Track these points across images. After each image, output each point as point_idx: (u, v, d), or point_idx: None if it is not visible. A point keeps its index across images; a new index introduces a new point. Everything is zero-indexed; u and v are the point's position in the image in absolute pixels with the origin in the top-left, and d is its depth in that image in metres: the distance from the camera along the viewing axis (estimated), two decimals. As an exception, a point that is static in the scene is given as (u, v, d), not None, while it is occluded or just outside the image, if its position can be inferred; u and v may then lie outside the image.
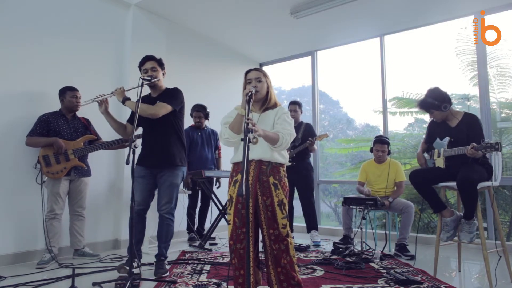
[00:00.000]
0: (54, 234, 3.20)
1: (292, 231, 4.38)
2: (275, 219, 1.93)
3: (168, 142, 2.85)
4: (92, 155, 3.55)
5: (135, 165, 2.79)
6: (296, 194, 4.42)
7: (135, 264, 2.73)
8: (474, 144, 2.52)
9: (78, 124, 3.45)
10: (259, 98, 2.07)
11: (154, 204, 2.97)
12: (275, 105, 2.11)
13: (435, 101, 2.75)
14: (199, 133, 4.35)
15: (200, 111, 4.32)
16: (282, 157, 2.05)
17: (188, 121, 3.88)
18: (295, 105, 4.37)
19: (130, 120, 2.99)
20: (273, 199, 1.94)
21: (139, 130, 3.00)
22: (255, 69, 2.12)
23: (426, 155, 2.95)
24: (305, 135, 4.21)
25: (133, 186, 2.50)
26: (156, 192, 2.97)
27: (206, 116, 4.39)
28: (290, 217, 4.40)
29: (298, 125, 4.34)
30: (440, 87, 2.83)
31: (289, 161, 4.16)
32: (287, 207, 1.98)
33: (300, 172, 4.22)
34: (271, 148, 1.97)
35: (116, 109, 3.46)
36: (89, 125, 3.54)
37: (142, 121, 2.77)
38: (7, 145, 3.21)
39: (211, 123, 4.57)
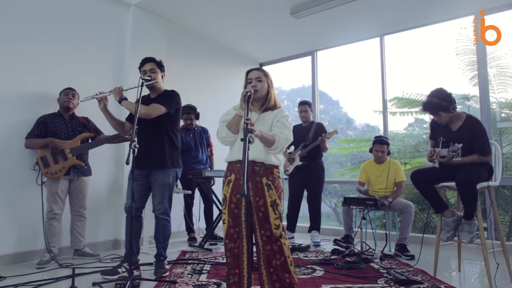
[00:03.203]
0: (54, 234, 3.21)
1: (294, 231, 4.38)
2: (267, 219, 1.91)
3: (160, 143, 2.84)
4: (92, 155, 3.56)
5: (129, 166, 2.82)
6: (304, 194, 4.36)
7: (121, 270, 2.73)
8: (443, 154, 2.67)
9: (76, 123, 3.45)
10: (259, 98, 2.06)
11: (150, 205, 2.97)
12: (275, 106, 2.10)
13: (443, 102, 2.66)
14: (191, 135, 4.32)
15: (191, 112, 4.27)
16: (277, 159, 2.03)
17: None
18: (305, 106, 4.34)
19: (129, 118, 3.00)
20: (266, 200, 1.93)
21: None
22: (256, 69, 2.11)
23: (438, 149, 2.83)
24: (316, 134, 4.15)
25: (132, 187, 2.50)
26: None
27: (197, 117, 4.35)
28: (295, 217, 4.37)
29: (310, 125, 4.32)
30: (444, 88, 2.76)
31: (300, 161, 4.18)
32: (280, 208, 1.96)
33: (311, 173, 4.18)
34: (266, 150, 1.96)
35: (118, 106, 3.45)
36: (88, 123, 3.55)
37: (139, 120, 2.76)
38: (10, 146, 3.23)
39: (210, 123, 4.55)
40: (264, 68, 6.32)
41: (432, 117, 2.86)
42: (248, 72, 2.11)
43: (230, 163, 2.06)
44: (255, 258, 1.96)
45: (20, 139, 3.26)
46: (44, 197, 3.22)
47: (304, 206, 4.41)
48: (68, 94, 3.40)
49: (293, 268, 1.96)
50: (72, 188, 3.39)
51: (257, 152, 1.96)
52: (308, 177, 4.19)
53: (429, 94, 2.78)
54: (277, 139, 1.93)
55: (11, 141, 3.24)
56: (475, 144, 2.62)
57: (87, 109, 3.53)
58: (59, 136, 3.31)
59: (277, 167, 2.05)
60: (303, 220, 4.74)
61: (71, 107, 3.42)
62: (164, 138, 2.87)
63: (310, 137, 4.17)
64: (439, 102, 2.67)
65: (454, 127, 2.77)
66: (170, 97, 2.90)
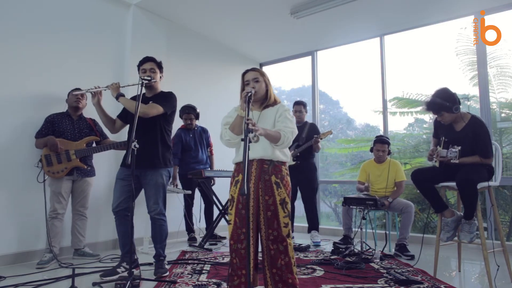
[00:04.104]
0: (55, 234, 3.21)
1: (292, 231, 4.38)
2: (276, 218, 1.92)
3: (153, 143, 2.83)
4: (94, 155, 3.55)
5: (119, 166, 2.88)
6: (298, 194, 4.37)
7: (120, 270, 2.73)
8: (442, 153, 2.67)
9: (83, 124, 3.46)
10: (258, 98, 2.07)
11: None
12: (275, 102, 2.11)
13: (446, 102, 2.64)
14: (191, 135, 4.33)
15: (191, 112, 4.28)
16: (284, 155, 2.04)
17: (177, 123, 3.79)
18: (300, 106, 4.36)
19: (120, 116, 3.00)
20: (275, 198, 1.94)
21: (127, 128, 3.00)
22: (252, 70, 2.11)
23: (439, 148, 2.83)
24: (310, 135, 4.18)
25: (133, 186, 2.49)
26: (141, 194, 2.95)
27: (197, 117, 4.35)
28: (291, 217, 4.37)
29: (303, 125, 4.33)
30: (448, 88, 2.73)
31: (293, 160, 4.18)
32: (289, 206, 1.97)
33: (304, 172, 4.19)
34: (273, 146, 1.97)
35: (114, 104, 3.45)
36: (95, 126, 3.55)
37: (131, 119, 2.74)
38: (11, 146, 3.24)
39: (210, 123, 4.56)
40: (264, 68, 6.33)
41: (434, 116, 2.85)
42: (244, 74, 2.11)
43: (238, 164, 2.06)
44: (259, 259, 1.97)
45: (21, 140, 3.27)
46: (47, 196, 3.23)
47: (298, 206, 4.41)
48: (76, 94, 3.40)
49: (296, 269, 1.97)
50: (75, 188, 3.41)
51: (264, 149, 1.96)
52: (301, 177, 4.19)
53: (433, 93, 2.76)
54: (282, 134, 1.94)
55: (13, 141, 3.25)
56: (478, 145, 2.62)
57: (94, 111, 3.50)
58: (66, 136, 3.32)
59: (284, 163, 2.05)
60: (303, 220, 4.74)
61: (80, 107, 3.44)
62: (158, 138, 2.86)
63: (303, 137, 4.19)
64: (442, 102, 2.66)
65: (457, 127, 2.76)
66: (167, 98, 2.90)
